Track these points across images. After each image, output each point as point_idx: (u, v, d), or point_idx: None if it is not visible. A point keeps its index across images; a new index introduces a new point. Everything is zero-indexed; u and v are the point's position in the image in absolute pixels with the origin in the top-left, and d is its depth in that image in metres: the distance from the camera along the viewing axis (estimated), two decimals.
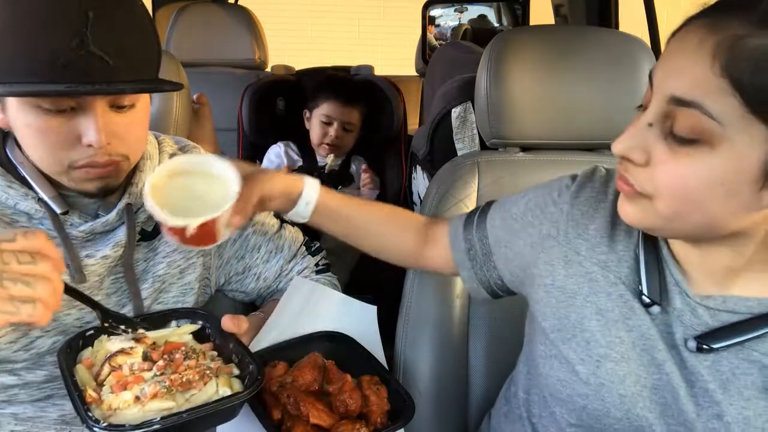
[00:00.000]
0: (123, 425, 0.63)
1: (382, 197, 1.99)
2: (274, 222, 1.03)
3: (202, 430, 0.72)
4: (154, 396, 0.66)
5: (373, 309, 0.99)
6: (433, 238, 0.89)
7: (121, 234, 0.83)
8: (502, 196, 0.86)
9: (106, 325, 0.75)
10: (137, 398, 0.67)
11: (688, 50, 0.54)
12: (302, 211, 0.83)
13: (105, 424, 0.62)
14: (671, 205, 0.57)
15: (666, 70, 0.57)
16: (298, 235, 1.06)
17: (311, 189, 0.83)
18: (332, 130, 1.90)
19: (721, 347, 0.62)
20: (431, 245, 0.89)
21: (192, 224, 0.71)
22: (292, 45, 5.11)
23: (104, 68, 0.69)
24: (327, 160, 1.91)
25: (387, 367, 0.88)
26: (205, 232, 0.73)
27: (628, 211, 0.62)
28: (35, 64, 0.67)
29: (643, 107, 0.60)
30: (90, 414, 0.63)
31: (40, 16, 0.67)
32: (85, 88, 0.68)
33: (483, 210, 0.85)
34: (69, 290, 0.68)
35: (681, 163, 0.55)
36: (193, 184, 0.76)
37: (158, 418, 0.63)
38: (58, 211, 0.79)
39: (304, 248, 1.06)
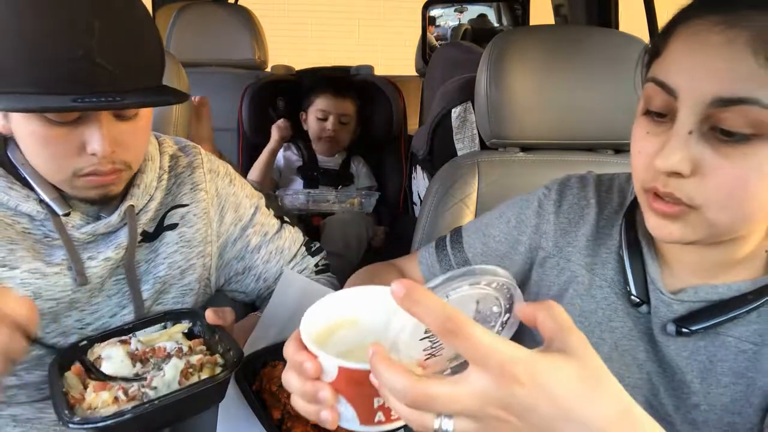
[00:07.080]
0: (95, 416, 0.63)
1: (382, 197, 1.99)
2: (275, 222, 1.03)
3: (180, 418, 0.71)
4: (133, 398, 0.66)
5: None
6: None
7: (123, 236, 0.83)
8: (500, 197, 0.85)
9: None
10: (116, 399, 0.66)
11: (716, 50, 0.52)
12: None
13: (78, 418, 0.62)
14: (728, 212, 0.54)
15: (694, 74, 0.53)
16: (298, 236, 1.06)
17: None
18: (329, 124, 1.94)
19: (699, 329, 0.61)
20: None
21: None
22: (292, 45, 5.11)
23: (109, 79, 0.68)
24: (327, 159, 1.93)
25: None
26: None
27: (672, 230, 0.57)
28: (39, 75, 0.66)
29: (652, 113, 0.57)
30: (66, 412, 0.63)
31: (45, 25, 0.65)
32: (91, 101, 0.67)
33: (453, 239, 0.84)
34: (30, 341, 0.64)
35: (737, 165, 0.52)
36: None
37: (129, 407, 0.62)
38: (60, 212, 0.79)
39: (304, 249, 1.06)
